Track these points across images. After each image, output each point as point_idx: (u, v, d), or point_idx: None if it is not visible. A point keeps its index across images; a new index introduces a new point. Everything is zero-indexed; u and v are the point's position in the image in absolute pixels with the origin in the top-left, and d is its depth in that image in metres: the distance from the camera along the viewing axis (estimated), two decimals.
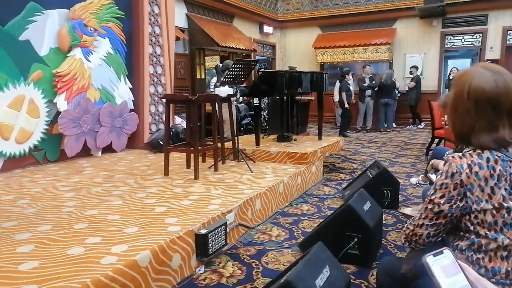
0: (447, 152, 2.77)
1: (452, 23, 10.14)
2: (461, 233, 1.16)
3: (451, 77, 8.90)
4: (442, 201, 1.12)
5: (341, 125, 8.66)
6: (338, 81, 9.38)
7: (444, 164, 1.14)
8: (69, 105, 4.25)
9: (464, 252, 1.14)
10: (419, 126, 9.84)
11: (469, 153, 1.11)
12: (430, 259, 0.91)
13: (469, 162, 1.09)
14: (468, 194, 1.09)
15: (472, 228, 1.11)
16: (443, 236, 1.22)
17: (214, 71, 7.22)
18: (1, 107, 3.65)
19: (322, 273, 1.62)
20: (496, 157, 1.09)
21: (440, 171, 1.16)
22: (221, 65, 7.27)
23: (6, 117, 3.70)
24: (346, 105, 8.23)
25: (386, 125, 9.15)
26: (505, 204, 1.07)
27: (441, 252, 0.93)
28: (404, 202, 3.57)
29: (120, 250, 1.92)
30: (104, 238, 2.07)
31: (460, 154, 1.12)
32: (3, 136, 3.68)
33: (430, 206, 1.16)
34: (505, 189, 1.08)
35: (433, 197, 1.15)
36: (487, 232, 1.09)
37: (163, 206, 2.64)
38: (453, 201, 1.11)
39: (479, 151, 1.10)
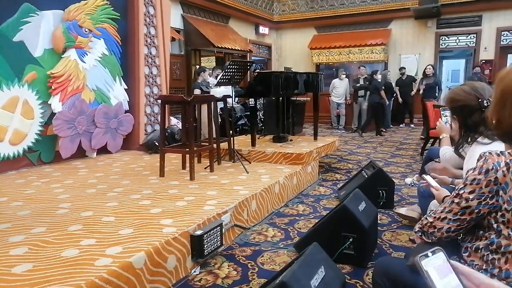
0: (441, 150, 2.77)
1: (446, 24, 10.21)
2: (480, 232, 1.14)
3: (427, 73, 8.44)
4: (471, 196, 1.10)
5: (365, 123, 8.68)
6: (341, 80, 9.33)
7: (479, 160, 1.12)
8: (64, 106, 4.23)
9: (479, 251, 1.12)
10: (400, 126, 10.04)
11: (508, 152, 1.09)
12: (422, 260, 0.91)
13: (507, 161, 1.06)
14: (501, 192, 1.06)
15: (495, 226, 1.09)
16: (462, 233, 1.20)
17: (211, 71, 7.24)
18: None
19: (317, 274, 1.62)
20: None
21: (473, 166, 1.13)
22: (197, 66, 7.35)
23: (0, 118, 3.68)
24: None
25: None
26: None
27: (434, 252, 0.93)
28: (399, 202, 3.58)
29: (115, 252, 1.91)
30: (98, 240, 2.06)
31: (498, 151, 1.10)
32: None
33: (456, 200, 1.14)
34: None
35: (461, 191, 1.13)
36: (510, 233, 1.07)
37: (158, 207, 2.63)
38: (483, 197, 1.08)
39: None
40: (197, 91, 6.36)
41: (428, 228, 1.23)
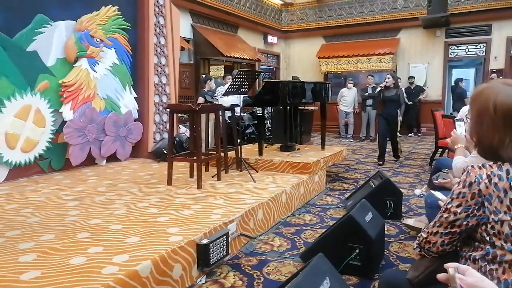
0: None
1: (455, 33, 10.17)
2: (476, 243, 1.16)
3: (383, 85, 6.12)
4: (458, 210, 1.13)
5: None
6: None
7: (462, 173, 1.15)
8: (75, 114, 4.30)
9: (477, 262, 1.13)
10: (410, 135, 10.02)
11: (489, 165, 1.12)
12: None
13: (489, 173, 1.10)
14: (486, 204, 1.09)
15: (488, 238, 1.11)
16: (457, 245, 1.22)
17: (220, 80, 7.32)
18: (8, 117, 3.70)
19: (322, 285, 1.61)
20: None
21: (457, 180, 1.16)
22: (203, 75, 7.46)
23: (13, 126, 3.76)
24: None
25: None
26: None
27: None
28: (407, 213, 3.55)
29: (122, 260, 1.93)
30: (105, 248, 2.09)
31: (480, 164, 1.13)
32: (9, 145, 3.73)
33: (445, 215, 1.17)
34: None
35: (449, 206, 1.16)
36: (503, 244, 1.09)
37: (165, 216, 2.65)
38: (470, 210, 1.11)
39: (500, 163, 1.11)
40: (200, 99, 6.46)
41: (424, 244, 1.26)
